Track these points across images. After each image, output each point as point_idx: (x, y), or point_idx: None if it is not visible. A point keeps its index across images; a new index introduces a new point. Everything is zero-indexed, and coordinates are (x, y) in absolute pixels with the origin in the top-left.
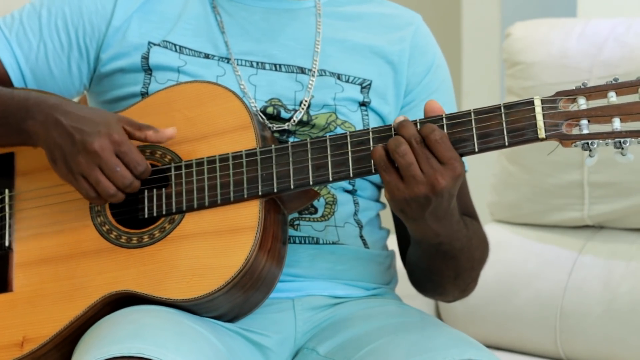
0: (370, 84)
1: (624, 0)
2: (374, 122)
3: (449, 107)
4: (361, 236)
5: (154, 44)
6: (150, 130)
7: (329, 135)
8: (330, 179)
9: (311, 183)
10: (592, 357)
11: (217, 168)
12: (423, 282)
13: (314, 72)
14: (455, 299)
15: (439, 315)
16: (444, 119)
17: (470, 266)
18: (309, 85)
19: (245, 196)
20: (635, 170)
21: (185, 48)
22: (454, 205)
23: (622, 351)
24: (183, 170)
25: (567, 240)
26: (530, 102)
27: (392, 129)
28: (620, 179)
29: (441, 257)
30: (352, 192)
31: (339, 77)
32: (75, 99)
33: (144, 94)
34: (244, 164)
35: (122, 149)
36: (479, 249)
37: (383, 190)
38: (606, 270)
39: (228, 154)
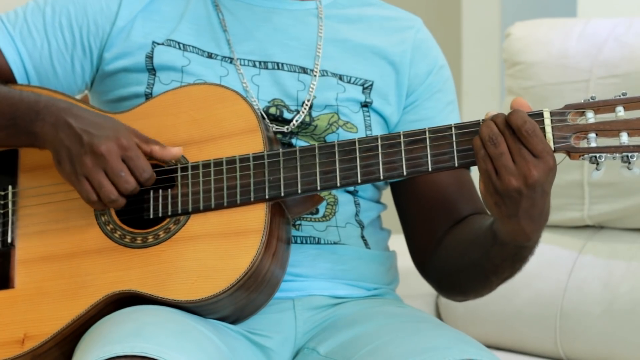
0: (371, 85)
1: (624, 0)
2: (376, 123)
3: (451, 107)
4: (362, 236)
5: (158, 44)
6: (157, 145)
7: (338, 141)
8: (338, 184)
9: (319, 188)
10: (592, 357)
11: (224, 170)
12: (469, 283)
13: (316, 72)
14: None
15: (439, 315)
16: (453, 129)
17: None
18: (311, 86)
19: (252, 200)
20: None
21: (189, 46)
22: (548, 209)
23: (622, 351)
24: (189, 172)
25: (567, 240)
26: (540, 114)
27: (401, 136)
28: (620, 179)
29: (514, 260)
30: (353, 193)
31: (340, 77)
32: (78, 97)
33: (148, 95)
34: (251, 167)
35: (128, 154)
36: None
37: (386, 190)
38: (606, 270)
39: (235, 156)
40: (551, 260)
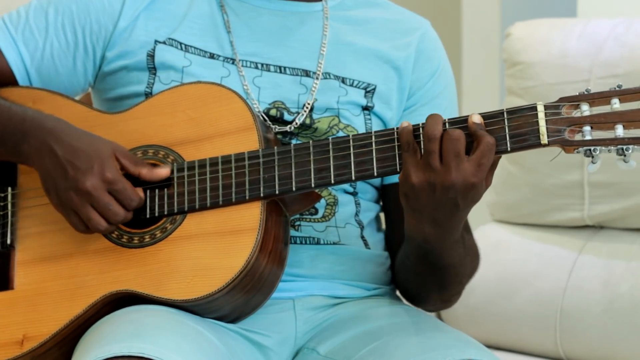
0: (374, 89)
1: (624, 0)
2: (376, 127)
3: (450, 112)
4: (362, 237)
5: (160, 42)
6: (145, 168)
7: (332, 138)
8: (332, 181)
9: (313, 185)
10: (592, 357)
11: (220, 169)
12: (406, 284)
13: (319, 75)
14: (436, 309)
15: (439, 316)
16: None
17: (459, 281)
18: (313, 88)
19: (247, 198)
20: (635, 170)
21: (191, 47)
22: (456, 225)
23: (622, 351)
24: (185, 171)
25: (567, 240)
26: (533, 108)
27: (395, 132)
28: (620, 179)
29: (427, 266)
30: (353, 194)
31: (343, 80)
32: (79, 96)
33: (148, 94)
34: (246, 165)
35: (115, 187)
36: (471, 265)
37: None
38: (606, 270)
39: (230, 155)
40: (551, 260)
